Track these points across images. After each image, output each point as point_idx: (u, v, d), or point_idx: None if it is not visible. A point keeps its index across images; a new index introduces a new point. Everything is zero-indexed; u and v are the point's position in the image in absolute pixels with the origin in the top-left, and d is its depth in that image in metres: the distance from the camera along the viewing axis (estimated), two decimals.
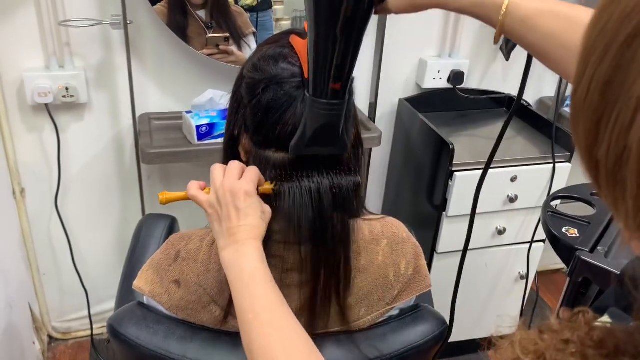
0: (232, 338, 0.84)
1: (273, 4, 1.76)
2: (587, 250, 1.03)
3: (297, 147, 0.76)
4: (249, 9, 1.72)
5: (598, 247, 1.04)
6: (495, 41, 0.69)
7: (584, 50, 0.36)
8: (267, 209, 0.78)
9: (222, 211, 0.75)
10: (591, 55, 0.35)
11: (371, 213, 0.94)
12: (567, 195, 1.26)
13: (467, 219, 1.70)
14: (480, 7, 0.67)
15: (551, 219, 1.14)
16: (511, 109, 0.81)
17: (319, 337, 0.85)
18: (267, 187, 0.78)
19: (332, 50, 0.69)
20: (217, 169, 0.77)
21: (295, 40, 0.79)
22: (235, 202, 0.74)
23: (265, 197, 0.78)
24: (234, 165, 0.77)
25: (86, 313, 1.87)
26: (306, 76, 0.75)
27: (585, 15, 0.63)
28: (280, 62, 0.77)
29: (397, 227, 0.93)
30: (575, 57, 0.42)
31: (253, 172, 0.77)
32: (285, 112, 0.76)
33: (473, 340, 2.05)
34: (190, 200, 0.79)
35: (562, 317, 0.47)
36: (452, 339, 2.03)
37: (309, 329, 0.83)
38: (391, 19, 1.76)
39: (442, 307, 1.74)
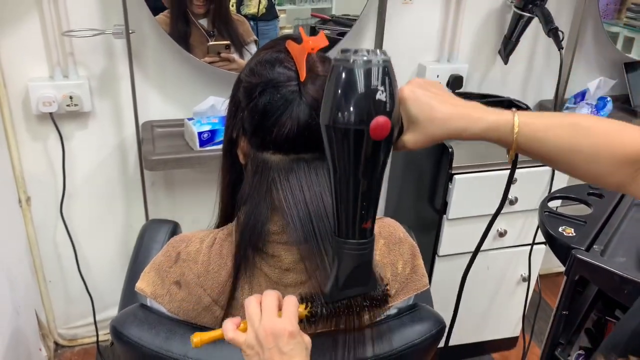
0: None
1: (278, 14, 1.79)
2: (583, 248, 1.04)
3: (332, 294, 0.74)
4: (252, 18, 1.75)
5: (594, 246, 1.05)
6: (510, 159, 0.73)
7: None
8: (308, 339, 0.74)
9: (263, 354, 0.71)
10: None
11: None
12: (563, 195, 1.27)
13: (468, 222, 1.73)
14: (494, 131, 0.70)
15: (548, 219, 1.15)
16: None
17: (316, 336, 0.87)
18: (302, 311, 0.74)
19: (357, 193, 0.69)
20: (252, 304, 0.73)
21: (291, 45, 0.81)
22: (279, 345, 0.70)
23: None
24: (270, 298, 0.73)
25: (92, 320, 1.88)
26: (302, 79, 0.77)
27: (583, 119, 0.71)
28: (276, 67, 0.79)
29: (394, 227, 0.94)
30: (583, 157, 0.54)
31: (293, 305, 0.73)
32: (282, 115, 0.77)
33: (476, 343, 2.06)
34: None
35: None
36: (455, 342, 2.04)
37: (307, 328, 0.85)
38: (389, 23, 1.78)
39: (444, 309, 1.74)
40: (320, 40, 0.79)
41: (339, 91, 0.65)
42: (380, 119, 0.65)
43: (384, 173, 0.71)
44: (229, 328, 0.74)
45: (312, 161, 0.80)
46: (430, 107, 0.70)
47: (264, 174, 0.80)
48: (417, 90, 0.71)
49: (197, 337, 0.74)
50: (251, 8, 1.74)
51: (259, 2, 1.73)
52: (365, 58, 0.65)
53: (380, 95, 0.66)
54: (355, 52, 0.66)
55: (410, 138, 0.72)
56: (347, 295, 0.75)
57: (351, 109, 0.65)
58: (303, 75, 0.77)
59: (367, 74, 0.65)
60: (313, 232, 0.81)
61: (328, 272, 0.76)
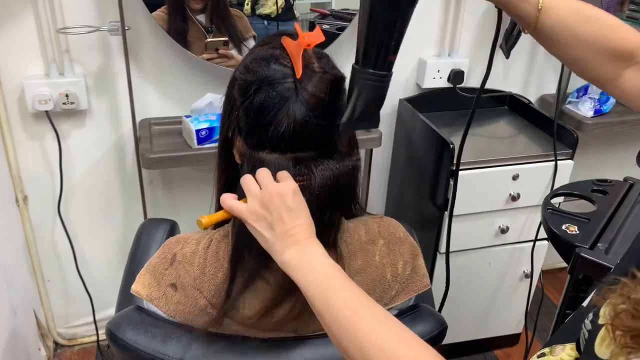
0: (229, 340, 0.84)
1: (297, 15, 1.77)
2: (587, 247, 1.02)
3: (348, 123, 0.76)
4: (267, 18, 1.73)
5: (598, 244, 1.03)
6: (529, 29, 0.77)
7: None
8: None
9: (271, 216, 0.73)
10: None
11: (369, 214, 0.94)
12: (567, 192, 1.26)
13: (470, 218, 1.71)
14: None
15: (551, 216, 1.13)
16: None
17: (318, 339, 0.85)
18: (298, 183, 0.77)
19: (394, 21, 0.71)
20: (249, 178, 0.76)
21: (286, 42, 0.79)
22: (286, 202, 0.72)
23: None
24: (265, 171, 0.76)
25: (91, 319, 1.87)
26: (298, 76, 0.75)
27: (591, 8, 0.75)
28: (271, 64, 0.77)
29: (394, 227, 0.93)
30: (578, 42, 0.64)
31: (286, 173, 0.76)
32: (278, 113, 0.76)
33: (478, 340, 2.04)
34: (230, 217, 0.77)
35: None
36: (457, 339, 2.03)
37: (305, 330, 0.83)
38: None
39: (445, 305, 1.73)
40: (317, 36, 0.77)
41: None
42: None
43: (414, 5, 0.73)
44: (232, 201, 0.76)
45: (309, 160, 0.79)
46: None
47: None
48: None
49: (205, 218, 0.76)
50: (266, 8, 1.72)
51: (276, 2, 1.71)
52: None
53: None
54: None
55: None
56: (358, 128, 0.78)
57: None
58: (299, 72, 0.75)
59: None
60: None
61: None
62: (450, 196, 1.65)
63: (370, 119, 0.77)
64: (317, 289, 0.70)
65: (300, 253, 0.72)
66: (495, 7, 0.81)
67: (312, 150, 0.78)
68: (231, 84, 0.83)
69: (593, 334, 0.51)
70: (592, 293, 0.63)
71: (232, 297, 0.81)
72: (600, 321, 0.50)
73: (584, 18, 0.76)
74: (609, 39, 0.76)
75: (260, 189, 0.74)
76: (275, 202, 0.72)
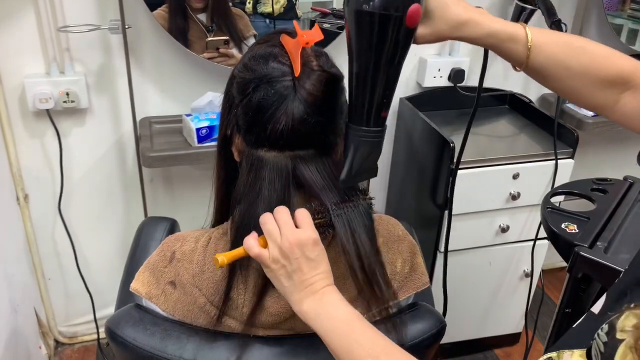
0: (228, 338, 0.84)
1: (299, 14, 1.77)
2: (586, 245, 1.02)
3: (347, 179, 0.77)
4: (268, 16, 1.73)
5: (597, 243, 1.03)
6: (522, 69, 0.79)
7: None
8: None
9: (291, 265, 0.73)
10: None
11: None
12: (566, 190, 1.25)
13: (470, 217, 1.71)
14: (493, 38, 0.75)
15: (550, 215, 1.13)
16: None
17: (316, 337, 0.85)
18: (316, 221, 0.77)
19: (381, 81, 0.72)
20: (268, 220, 0.75)
21: (285, 40, 0.79)
22: (306, 253, 0.73)
23: None
24: (284, 213, 0.75)
25: (92, 317, 1.87)
26: (297, 74, 0.75)
27: (578, 39, 0.78)
28: (270, 62, 0.77)
29: (393, 225, 0.93)
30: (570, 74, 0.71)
31: (307, 216, 0.75)
32: (276, 111, 0.75)
33: (478, 339, 2.04)
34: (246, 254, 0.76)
35: None
36: (457, 338, 2.03)
37: (303, 328, 0.83)
38: None
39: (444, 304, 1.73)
40: (315, 34, 0.77)
41: None
42: (415, 6, 0.69)
43: (402, 64, 0.74)
44: (253, 244, 0.75)
45: (308, 158, 0.79)
46: (445, 5, 0.74)
47: (259, 171, 0.79)
48: None
49: (221, 257, 0.75)
50: (268, 7, 1.72)
51: (277, 0, 1.71)
52: None
53: None
54: None
55: (419, 32, 0.75)
56: (358, 182, 0.79)
57: None
58: (298, 70, 0.75)
59: None
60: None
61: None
62: (452, 195, 1.65)
63: (369, 171, 0.79)
64: (336, 336, 0.71)
65: (318, 302, 0.73)
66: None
67: (310, 148, 0.78)
68: (230, 82, 0.83)
69: (611, 347, 0.51)
70: (603, 298, 0.63)
71: (230, 295, 0.82)
72: (619, 336, 0.50)
73: (574, 50, 0.77)
74: (601, 68, 0.77)
75: (281, 232, 0.73)
76: (295, 253, 0.72)
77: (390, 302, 0.87)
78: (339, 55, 0.81)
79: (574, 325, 0.65)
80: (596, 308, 0.63)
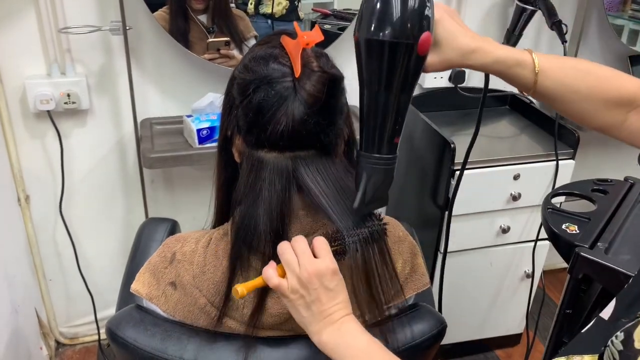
0: (229, 339, 0.84)
1: (301, 16, 1.77)
2: (587, 246, 1.02)
3: (360, 208, 0.77)
4: (270, 17, 1.73)
5: (598, 243, 1.03)
6: (530, 94, 0.80)
7: None
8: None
9: (310, 296, 0.73)
10: None
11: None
12: (567, 191, 1.25)
13: (471, 218, 1.71)
14: (501, 64, 0.76)
15: (551, 216, 1.13)
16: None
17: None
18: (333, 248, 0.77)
19: (393, 108, 0.72)
20: (286, 250, 0.75)
21: (285, 41, 0.79)
22: (325, 283, 0.73)
23: None
24: (302, 242, 0.75)
25: (93, 318, 1.88)
26: (297, 75, 0.75)
27: (584, 62, 0.79)
28: (270, 63, 0.77)
29: (393, 226, 0.92)
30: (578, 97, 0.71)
31: (325, 244, 0.76)
32: (276, 112, 0.76)
33: (480, 340, 2.04)
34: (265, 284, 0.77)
35: None
36: (458, 339, 2.03)
37: (303, 330, 0.83)
38: None
39: (446, 306, 1.73)
40: (315, 35, 0.77)
41: (391, 5, 0.67)
42: (427, 34, 0.69)
43: (413, 91, 0.74)
44: (272, 275, 0.75)
45: (308, 159, 0.79)
46: (453, 35, 0.75)
47: (259, 172, 0.79)
48: (445, 15, 0.75)
49: (240, 287, 0.75)
50: (269, 8, 1.72)
51: (279, 2, 1.71)
52: None
53: (428, 12, 0.69)
54: None
55: (429, 60, 0.75)
56: (371, 210, 0.79)
57: (406, 23, 0.67)
58: (298, 71, 0.75)
59: None
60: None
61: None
62: (452, 196, 1.65)
63: (381, 199, 0.78)
64: None
65: (336, 332, 0.73)
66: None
67: (310, 149, 0.78)
68: (230, 83, 0.83)
69: (627, 357, 0.51)
70: (613, 303, 0.63)
71: (231, 296, 0.82)
72: (638, 345, 0.50)
73: (580, 73, 0.78)
74: (607, 89, 0.78)
75: (299, 262, 0.73)
76: (314, 283, 0.73)
77: (390, 303, 0.87)
78: (339, 56, 0.81)
79: (582, 331, 0.65)
80: (606, 313, 0.63)
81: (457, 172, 1.62)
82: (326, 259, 0.74)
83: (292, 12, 1.76)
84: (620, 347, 0.52)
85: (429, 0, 0.69)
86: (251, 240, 0.79)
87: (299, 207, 0.81)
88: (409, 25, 0.68)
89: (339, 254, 0.77)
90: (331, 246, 0.76)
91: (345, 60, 0.79)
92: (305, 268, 0.73)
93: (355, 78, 0.86)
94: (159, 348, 0.84)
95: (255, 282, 0.76)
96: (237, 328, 0.84)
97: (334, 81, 0.78)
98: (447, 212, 1.68)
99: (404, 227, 0.96)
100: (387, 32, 0.68)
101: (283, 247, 0.76)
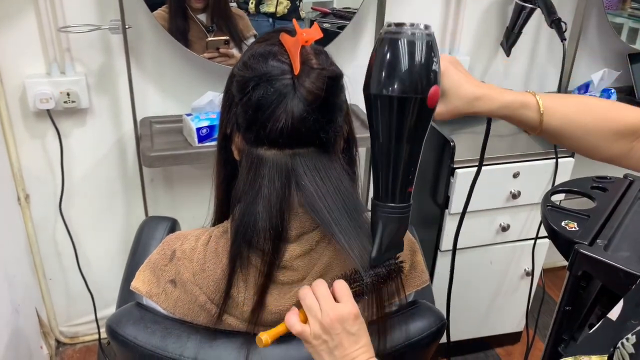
0: (229, 336, 0.84)
1: (302, 16, 1.77)
2: (586, 243, 1.01)
3: (378, 257, 0.78)
4: (271, 16, 1.73)
5: (597, 240, 1.03)
6: (536, 133, 0.83)
7: None
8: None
9: (333, 341, 0.73)
10: None
11: (368, 210, 0.94)
12: (566, 189, 1.25)
13: (471, 216, 1.71)
14: (506, 109, 0.80)
15: (550, 213, 1.13)
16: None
17: None
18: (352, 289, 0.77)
19: (405, 159, 0.74)
20: (307, 294, 0.75)
21: (284, 38, 0.79)
22: (347, 328, 0.73)
23: None
24: (323, 286, 0.75)
25: (93, 317, 1.88)
26: (296, 72, 0.75)
27: (587, 98, 0.85)
28: (269, 60, 0.77)
29: None
30: (584, 131, 0.78)
31: (346, 288, 0.76)
32: (276, 109, 0.76)
33: (479, 338, 2.04)
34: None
35: None
36: (458, 337, 2.03)
37: None
38: (389, 15, 1.76)
39: (445, 304, 1.73)
40: (315, 33, 0.77)
41: (399, 61, 0.69)
42: (435, 88, 0.71)
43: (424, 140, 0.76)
44: (295, 322, 0.75)
45: (307, 156, 0.79)
46: (459, 84, 0.78)
47: (259, 170, 0.79)
48: (449, 66, 0.78)
49: (265, 336, 0.75)
50: (271, 7, 1.72)
51: (281, 1, 1.71)
52: (425, 31, 0.70)
53: (435, 66, 0.71)
54: (411, 25, 0.70)
55: (437, 110, 0.76)
56: (387, 258, 0.79)
57: (415, 78, 0.69)
58: (297, 68, 0.75)
59: (429, 46, 0.70)
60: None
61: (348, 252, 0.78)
62: (451, 194, 1.65)
63: (397, 246, 0.80)
64: None
65: None
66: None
67: (310, 146, 0.78)
68: (230, 81, 0.83)
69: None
70: (620, 304, 0.63)
71: (231, 293, 0.82)
72: None
73: (583, 107, 0.81)
74: (611, 121, 0.82)
75: (321, 308, 0.73)
76: (336, 328, 0.73)
77: (390, 300, 0.88)
78: (339, 54, 0.82)
79: (590, 331, 0.65)
80: (614, 314, 0.63)
81: (457, 171, 1.63)
82: (348, 304, 0.74)
83: (293, 12, 1.76)
84: (632, 350, 0.52)
85: (435, 55, 0.71)
86: (251, 237, 0.79)
87: (298, 204, 0.81)
88: (417, 80, 0.69)
89: (358, 295, 0.77)
90: (350, 287, 0.76)
91: (346, 58, 0.79)
92: (327, 314, 0.73)
93: (354, 77, 0.86)
94: (159, 345, 0.84)
95: (279, 330, 0.76)
96: (237, 325, 0.84)
97: (334, 78, 0.78)
98: (447, 210, 1.68)
99: None
100: (396, 87, 0.69)
101: (304, 292, 0.76)
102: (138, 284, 0.88)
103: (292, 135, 0.76)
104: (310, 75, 0.76)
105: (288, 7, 1.74)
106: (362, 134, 1.65)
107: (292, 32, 0.79)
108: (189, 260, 0.85)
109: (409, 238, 0.93)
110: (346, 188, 0.81)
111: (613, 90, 1.94)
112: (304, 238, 0.82)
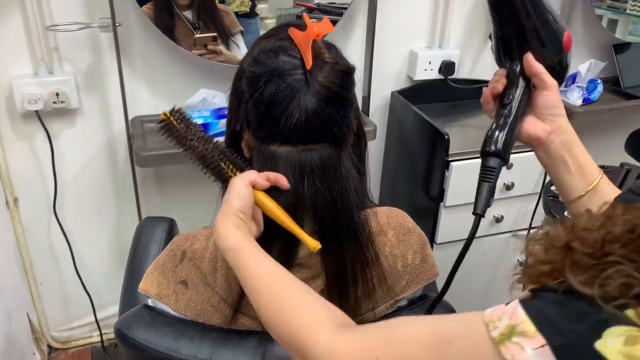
0: (243, 336, 0.83)
1: (258, 12, 1.75)
2: None
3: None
4: (242, 15, 1.71)
5: None
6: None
7: None
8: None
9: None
10: None
11: (376, 205, 0.94)
12: None
13: (464, 209, 1.72)
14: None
15: (552, 203, 1.14)
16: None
17: None
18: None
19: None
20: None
21: (294, 33, 0.78)
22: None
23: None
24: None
25: (87, 320, 1.85)
26: (308, 67, 0.75)
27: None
28: (280, 55, 0.76)
29: (403, 218, 0.93)
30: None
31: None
32: (288, 105, 0.75)
33: None
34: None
35: None
36: None
37: None
38: (380, 10, 1.76)
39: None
40: (326, 27, 0.77)
41: None
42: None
43: None
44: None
45: (320, 151, 0.78)
46: (559, 111, 0.83)
47: (272, 167, 0.78)
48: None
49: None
50: (240, 6, 1.70)
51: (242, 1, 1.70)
52: None
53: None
54: None
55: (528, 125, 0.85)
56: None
57: None
58: (309, 63, 0.75)
59: None
60: (321, 226, 0.79)
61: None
62: (446, 187, 1.66)
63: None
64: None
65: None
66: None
67: (323, 142, 0.78)
68: (238, 77, 0.82)
69: None
70: None
71: (244, 293, 0.80)
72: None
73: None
74: None
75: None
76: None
77: (402, 295, 0.88)
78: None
79: None
80: None
81: (451, 163, 1.64)
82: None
83: (252, 9, 1.74)
84: None
85: None
86: (263, 234, 0.78)
87: (308, 200, 0.80)
88: None
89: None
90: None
91: (347, 53, 0.78)
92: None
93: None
94: (172, 348, 0.82)
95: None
96: (251, 325, 0.83)
97: (347, 72, 0.77)
98: (442, 203, 1.68)
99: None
100: None
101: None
102: (147, 286, 0.87)
103: (305, 130, 0.76)
104: (323, 70, 0.75)
105: (249, 7, 1.72)
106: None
107: (301, 27, 0.79)
108: (200, 260, 0.83)
109: (419, 232, 0.93)
110: (355, 183, 0.81)
111: (599, 81, 1.96)
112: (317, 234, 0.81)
